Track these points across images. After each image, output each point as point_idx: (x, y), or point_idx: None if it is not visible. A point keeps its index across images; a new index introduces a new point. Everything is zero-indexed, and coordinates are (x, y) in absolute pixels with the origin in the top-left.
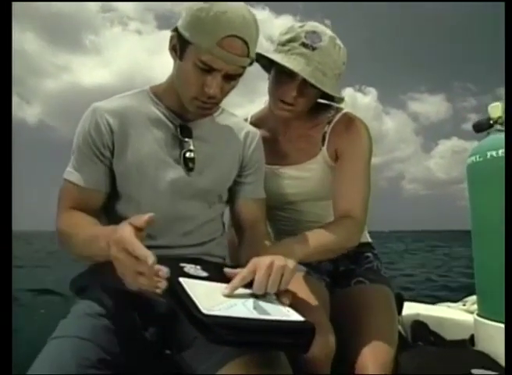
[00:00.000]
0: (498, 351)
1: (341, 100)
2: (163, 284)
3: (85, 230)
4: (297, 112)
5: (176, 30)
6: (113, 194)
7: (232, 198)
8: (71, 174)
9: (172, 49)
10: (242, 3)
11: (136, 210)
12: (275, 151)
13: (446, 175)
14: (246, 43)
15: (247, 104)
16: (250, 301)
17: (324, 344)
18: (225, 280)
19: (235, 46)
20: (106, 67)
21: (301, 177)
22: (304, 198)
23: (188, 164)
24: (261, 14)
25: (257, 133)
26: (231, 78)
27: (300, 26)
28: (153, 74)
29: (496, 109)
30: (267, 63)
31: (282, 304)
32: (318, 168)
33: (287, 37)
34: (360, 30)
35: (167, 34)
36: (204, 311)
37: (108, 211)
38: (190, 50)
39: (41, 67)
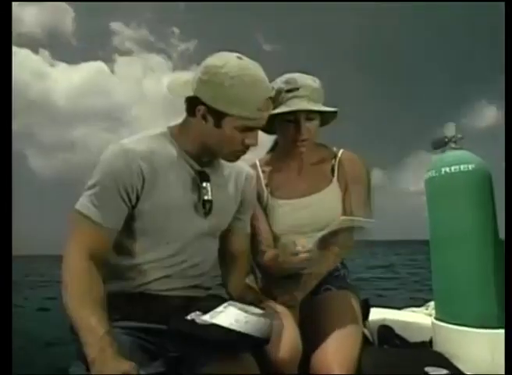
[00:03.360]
0: (454, 351)
1: (334, 116)
2: None
3: (83, 312)
4: (311, 145)
5: (196, 98)
6: (126, 230)
7: (225, 231)
8: (90, 210)
9: (202, 118)
10: (254, 62)
11: (153, 245)
12: (291, 186)
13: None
14: (270, 97)
15: None
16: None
17: (291, 347)
18: None
19: (268, 104)
20: None
21: (315, 205)
22: (319, 226)
23: (206, 206)
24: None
25: (254, 174)
26: None
27: (275, 82)
28: None
29: (451, 128)
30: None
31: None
32: (331, 196)
33: (274, 93)
34: (320, 52)
35: None
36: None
37: (118, 244)
38: (229, 120)
39: None
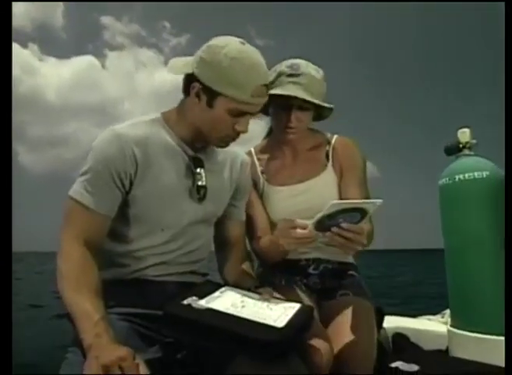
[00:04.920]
0: (470, 357)
1: (330, 112)
2: None
3: (79, 298)
4: (301, 133)
5: (192, 75)
6: (121, 216)
7: (221, 218)
8: (83, 196)
9: (196, 96)
10: (255, 49)
11: (148, 232)
12: (287, 173)
13: None
14: (266, 85)
15: None
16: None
17: (325, 351)
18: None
19: (264, 91)
20: None
21: (312, 191)
22: (316, 212)
23: (200, 192)
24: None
25: (249, 160)
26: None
27: (280, 64)
28: None
29: (465, 135)
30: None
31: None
32: (327, 181)
33: (274, 75)
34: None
35: None
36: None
37: (112, 231)
38: (222, 100)
39: None
